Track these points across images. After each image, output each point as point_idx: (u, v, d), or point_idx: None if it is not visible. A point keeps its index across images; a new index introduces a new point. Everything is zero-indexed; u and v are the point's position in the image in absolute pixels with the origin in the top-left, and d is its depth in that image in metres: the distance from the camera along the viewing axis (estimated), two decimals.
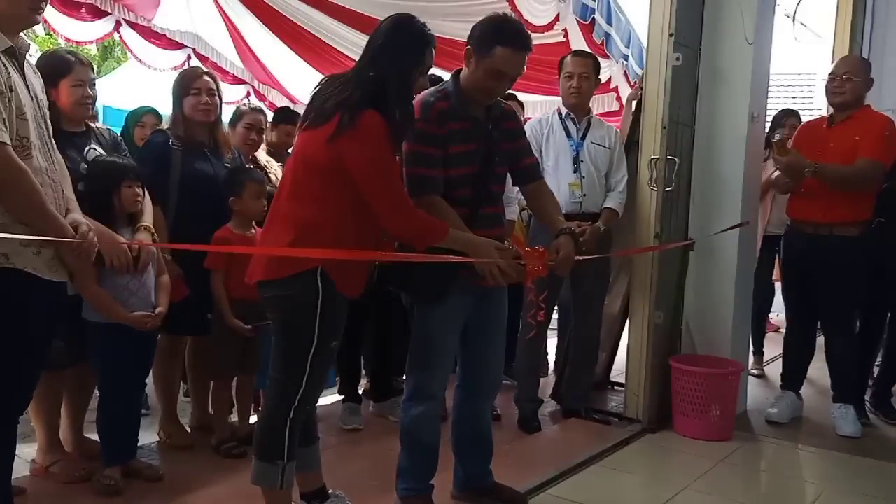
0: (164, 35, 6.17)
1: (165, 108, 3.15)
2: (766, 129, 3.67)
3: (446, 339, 2.23)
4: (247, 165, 2.99)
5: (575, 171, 3.19)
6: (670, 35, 3.03)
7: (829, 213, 3.17)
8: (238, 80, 7.08)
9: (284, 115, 3.68)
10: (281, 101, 7.54)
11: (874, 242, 3.21)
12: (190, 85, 2.76)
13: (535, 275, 2.09)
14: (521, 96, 6.66)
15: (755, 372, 4.20)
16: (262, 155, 3.28)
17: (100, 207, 2.25)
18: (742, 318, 3.43)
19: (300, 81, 6.99)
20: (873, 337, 3.53)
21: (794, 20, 6.30)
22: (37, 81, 1.89)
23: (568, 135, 3.24)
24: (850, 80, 3.17)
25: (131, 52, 6.39)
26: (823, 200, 3.17)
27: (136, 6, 5.65)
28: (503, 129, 2.26)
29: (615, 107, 6.14)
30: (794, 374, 3.50)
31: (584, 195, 3.19)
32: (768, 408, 3.47)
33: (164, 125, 3.12)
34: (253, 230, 2.75)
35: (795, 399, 3.48)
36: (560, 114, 3.27)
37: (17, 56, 1.75)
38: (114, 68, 11.54)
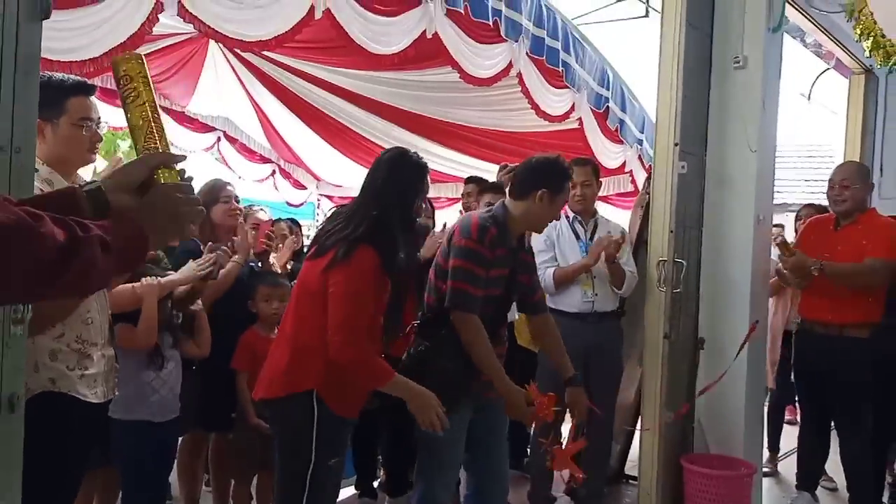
0: (197, 119, 6.51)
1: None
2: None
3: (454, 449, 2.32)
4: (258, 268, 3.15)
5: (587, 273, 3.28)
6: (675, 144, 3.17)
7: (839, 314, 3.21)
8: (265, 160, 7.40)
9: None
10: (305, 179, 7.87)
11: (885, 343, 3.22)
12: (219, 195, 2.99)
13: (542, 421, 2.21)
14: None
15: (767, 469, 4.13)
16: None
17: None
18: (754, 417, 3.44)
19: (322, 160, 7.29)
20: (887, 436, 3.49)
21: (809, 98, 6.44)
22: None
23: (577, 237, 3.37)
24: (849, 187, 3.26)
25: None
26: (833, 301, 3.21)
27: (173, 95, 5.97)
28: (521, 260, 2.45)
29: (630, 188, 6.27)
30: (809, 474, 3.48)
31: (596, 294, 3.29)
32: None
33: None
34: (276, 332, 2.87)
35: (811, 500, 3.45)
36: (568, 217, 3.40)
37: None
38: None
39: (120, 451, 2.47)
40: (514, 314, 3.32)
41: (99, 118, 1.88)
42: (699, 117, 3.30)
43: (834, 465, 3.57)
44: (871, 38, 3.79)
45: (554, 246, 3.36)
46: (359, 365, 2.01)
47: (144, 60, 1.07)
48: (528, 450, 3.88)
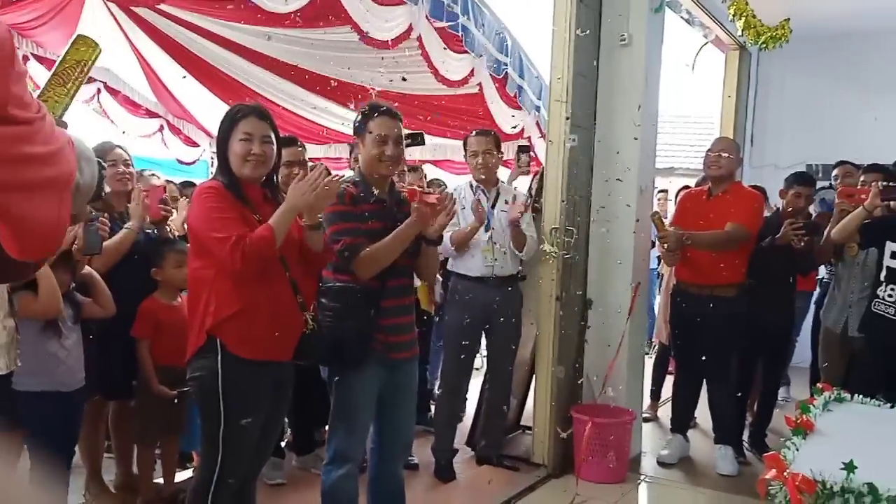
0: None
1: None
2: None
3: (364, 407, 2.43)
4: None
5: (488, 238, 3.44)
6: (567, 118, 3.34)
7: (710, 277, 3.56)
8: (151, 114, 7.00)
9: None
10: (197, 136, 7.53)
11: (747, 301, 3.61)
12: (104, 157, 2.85)
13: (432, 205, 2.32)
14: (439, 140, 6.98)
15: (648, 415, 4.54)
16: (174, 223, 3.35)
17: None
18: (635, 369, 3.78)
19: (216, 116, 6.95)
20: (748, 384, 3.94)
21: (693, 68, 6.85)
22: None
23: (480, 204, 3.49)
24: (725, 156, 3.57)
25: (38, 86, 6.21)
26: (704, 265, 3.56)
27: (47, 42, 5.52)
28: (404, 212, 2.49)
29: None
30: (681, 419, 3.87)
31: (496, 259, 3.46)
32: (660, 450, 3.82)
33: None
34: (179, 299, 2.85)
35: (683, 441, 3.85)
36: (471, 185, 3.53)
37: None
38: None
39: (31, 422, 2.40)
40: (417, 281, 3.44)
41: None
42: (589, 92, 3.49)
43: (701, 410, 4.00)
44: (744, 18, 4.09)
45: (457, 212, 3.47)
46: (249, 256, 1.99)
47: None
48: (432, 405, 4.08)
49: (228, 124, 2.15)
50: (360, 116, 2.42)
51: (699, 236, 3.49)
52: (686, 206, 3.80)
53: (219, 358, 2.04)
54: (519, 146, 4.44)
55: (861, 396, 2.26)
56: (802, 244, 3.55)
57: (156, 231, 3.07)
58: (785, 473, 1.59)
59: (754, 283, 3.61)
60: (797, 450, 1.73)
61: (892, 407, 2.18)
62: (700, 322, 3.59)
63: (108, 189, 2.84)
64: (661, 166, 10.05)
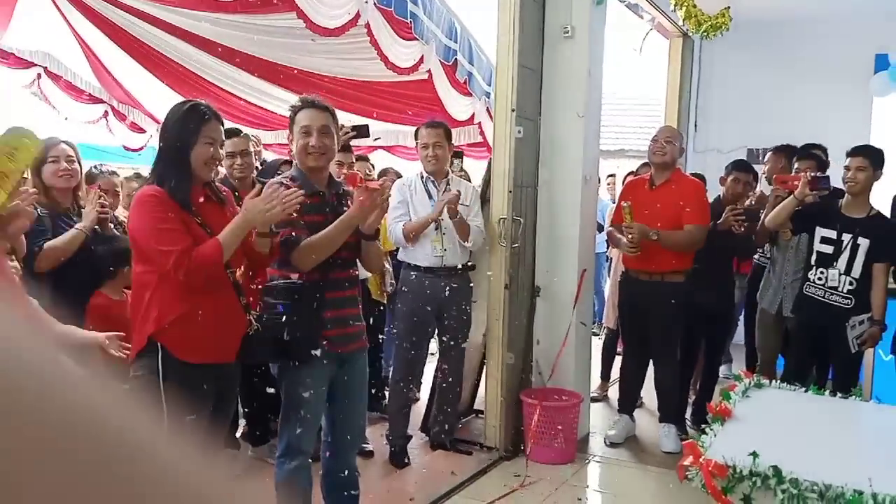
0: (13, 54, 5.84)
1: None
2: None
3: (314, 401, 2.46)
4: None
5: (436, 229, 3.48)
6: (512, 110, 3.39)
7: (661, 264, 3.68)
8: (95, 100, 6.80)
9: None
10: (142, 121, 7.34)
11: (692, 285, 3.75)
12: (47, 154, 2.79)
13: (373, 189, 2.33)
14: (391, 127, 6.96)
15: (596, 395, 4.69)
16: (121, 213, 3.31)
17: None
18: (582, 353, 3.89)
19: (162, 102, 6.82)
20: (691, 364, 4.10)
21: (640, 52, 6.97)
22: None
23: (430, 196, 3.54)
24: (671, 143, 3.68)
25: None
26: (654, 255, 3.66)
27: None
28: (347, 205, 2.51)
29: (479, 139, 6.51)
30: (628, 400, 4.02)
31: (445, 250, 3.51)
32: (607, 430, 3.96)
33: None
34: (124, 294, 2.84)
35: (629, 421, 3.99)
36: (422, 177, 3.56)
37: None
38: None
39: None
40: (365, 273, 3.46)
41: None
42: (534, 84, 3.54)
43: (646, 390, 4.15)
44: (684, 8, 4.18)
45: (407, 203, 3.51)
46: (193, 271, 2.00)
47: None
48: (386, 392, 4.14)
49: (192, 127, 2.12)
50: (290, 112, 2.45)
51: (667, 235, 3.57)
52: (628, 197, 3.88)
53: (159, 361, 2.05)
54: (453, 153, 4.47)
55: (779, 382, 2.39)
56: (742, 230, 3.69)
57: (98, 228, 3.03)
58: (700, 459, 1.70)
59: (697, 267, 3.75)
60: (714, 436, 1.84)
61: (806, 391, 2.32)
62: (648, 307, 3.71)
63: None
64: (611, 148, 10.23)
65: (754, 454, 1.63)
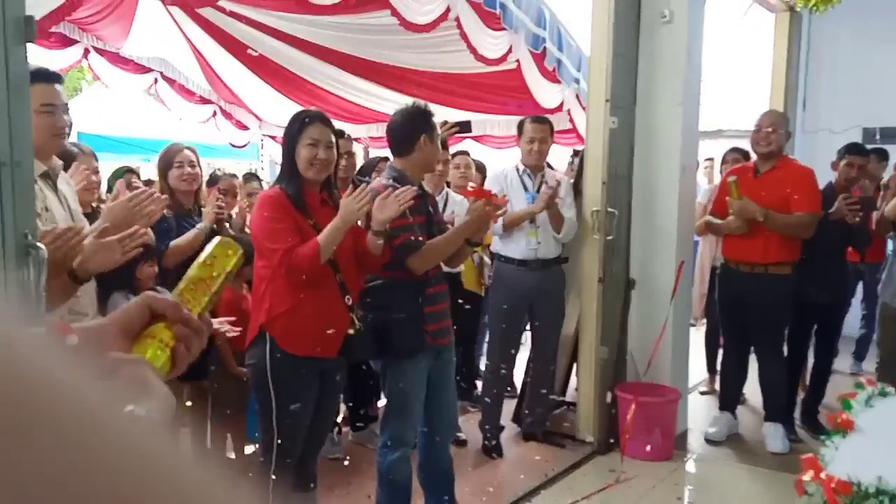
0: (132, 60, 6.30)
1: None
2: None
3: (417, 394, 2.56)
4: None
5: (531, 222, 3.49)
6: (607, 100, 3.32)
7: (766, 255, 3.49)
8: (205, 101, 7.22)
9: None
10: (247, 119, 7.73)
11: (800, 278, 3.56)
12: (173, 159, 3.04)
13: (496, 203, 2.48)
14: (479, 117, 6.97)
15: (705, 389, 4.53)
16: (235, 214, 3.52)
17: (122, 281, 2.55)
18: (680, 347, 3.78)
19: (264, 100, 7.18)
20: (800, 360, 3.89)
21: (740, 27, 6.61)
22: (69, 192, 2.07)
23: (525, 188, 3.54)
24: (775, 132, 3.48)
25: (98, 77, 6.50)
26: (761, 243, 3.48)
27: (106, 36, 5.75)
28: (433, 205, 2.64)
29: (568, 126, 6.40)
30: (729, 396, 3.86)
31: (539, 243, 3.51)
32: (707, 427, 3.83)
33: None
34: (244, 288, 3.05)
35: (731, 419, 3.84)
36: (518, 169, 3.56)
37: (50, 176, 1.94)
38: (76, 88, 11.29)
39: None
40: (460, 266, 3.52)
41: (65, 105, 1.87)
42: (629, 72, 3.45)
43: (750, 386, 3.98)
44: None
45: (503, 194, 3.52)
46: (293, 269, 2.13)
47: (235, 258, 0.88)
48: (478, 383, 4.19)
49: (296, 130, 2.26)
50: (424, 115, 2.50)
51: (775, 217, 3.39)
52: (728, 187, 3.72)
53: (267, 350, 2.20)
54: (574, 150, 4.44)
55: None
56: (857, 219, 3.46)
57: (216, 226, 3.24)
58: (822, 475, 1.62)
59: (806, 258, 3.55)
60: (836, 449, 1.75)
61: None
62: (750, 300, 3.54)
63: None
64: (707, 129, 9.73)
65: (880, 478, 1.53)
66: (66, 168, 2.53)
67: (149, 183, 3.37)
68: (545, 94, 5.66)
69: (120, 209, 1.88)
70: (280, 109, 7.36)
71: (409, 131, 2.50)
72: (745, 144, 4.70)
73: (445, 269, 2.82)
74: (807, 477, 1.68)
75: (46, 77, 1.89)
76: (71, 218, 2.00)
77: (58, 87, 1.91)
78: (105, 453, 0.23)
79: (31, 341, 0.24)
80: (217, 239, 0.88)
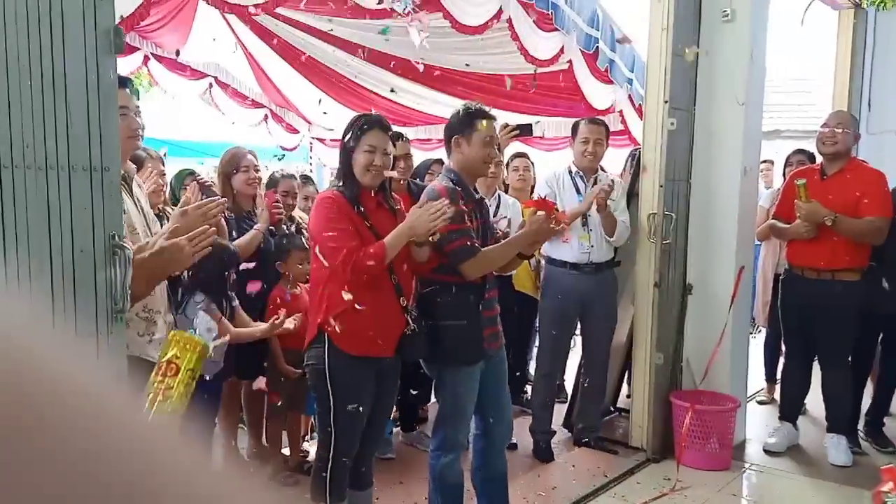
0: (189, 66, 6.48)
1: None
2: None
3: (470, 397, 2.55)
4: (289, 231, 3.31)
5: (584, 225, 3.44)
6: (665, 101, 3.25)
7: (833, 261, 3.36)
8: (257, 105, 7.39)
9: None
10: (297, 123, 7.87)
11: (869, 285, 3.42)
12: (240, 164, 3.13)
13: (561, 219, 2.49)
14: (529, 118, 6.93)
15: (763, 398, 4.39)
16: (297, 214, 3.56)
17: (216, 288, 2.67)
18: (739, 354, 3.67)
19: (313, 104, 7.29)
20: (865, 370, 3.74)
21: (802, 23, 6.40)
22: (142, 195, 2.15)
23: (577, 190, 3.50)
24: (842, 131, 3.35)
25: (157, 83, 6.71)
26: (828, 249, 3.35)
27: (165, 44, 5.93)
28: (487, 208, 2.64)
29: (620, 127, 6.31)
30: (791, 406, 3.73)
31: (592, 246, 3.45)
32: (766, 437, 3.72)
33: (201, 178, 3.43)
34: (299, 288, 3.10)
35: (792, 429, 3.71)
36: (570, 171, 3.52)
37: (126, 180, 1.98)
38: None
39: None
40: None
41: (137, 108, 1.93)
42: (688, 72, 3.37)
43: (811, 397, 3.84)
44: None
45: (556, 196, 3.49)
46: (358, 269, 2.15)
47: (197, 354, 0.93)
48: (529, 387, 4.15)
49: (355, 135, 2.28)
50: (464, 116, 2.47)
51: (844, 221, 3.26)
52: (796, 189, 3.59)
53: (326, 350, 2.23)
54: (631, 152, 4.36)
55: None
56: None
57: (273, 228, 3.31)
58: None
59: (875, 266, 3.41)
60: None
61: None
62: (816, 308, 3.41)
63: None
64: (765, 129, 9.44)
65: None
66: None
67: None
68: (597, 94, 5.59)
69: (192, 213, 1.93)
70: (328, 112, 7.47)
71: (447, 133, 2.53)
72: (804, 146, 4.57)
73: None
74: (885, 488, 1.61)
75: (119, 82, 1.97)
76: (145, 220, 2.07)
77: (127, 90, 1.97)
78: (108, 456, 0.22)
79: (36, 338, 0.24)
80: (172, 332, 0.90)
